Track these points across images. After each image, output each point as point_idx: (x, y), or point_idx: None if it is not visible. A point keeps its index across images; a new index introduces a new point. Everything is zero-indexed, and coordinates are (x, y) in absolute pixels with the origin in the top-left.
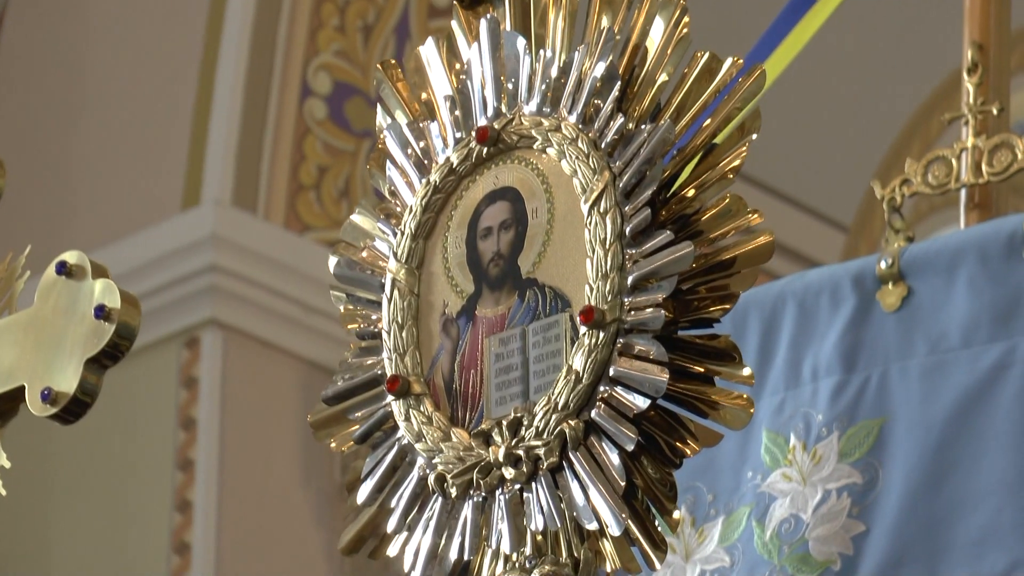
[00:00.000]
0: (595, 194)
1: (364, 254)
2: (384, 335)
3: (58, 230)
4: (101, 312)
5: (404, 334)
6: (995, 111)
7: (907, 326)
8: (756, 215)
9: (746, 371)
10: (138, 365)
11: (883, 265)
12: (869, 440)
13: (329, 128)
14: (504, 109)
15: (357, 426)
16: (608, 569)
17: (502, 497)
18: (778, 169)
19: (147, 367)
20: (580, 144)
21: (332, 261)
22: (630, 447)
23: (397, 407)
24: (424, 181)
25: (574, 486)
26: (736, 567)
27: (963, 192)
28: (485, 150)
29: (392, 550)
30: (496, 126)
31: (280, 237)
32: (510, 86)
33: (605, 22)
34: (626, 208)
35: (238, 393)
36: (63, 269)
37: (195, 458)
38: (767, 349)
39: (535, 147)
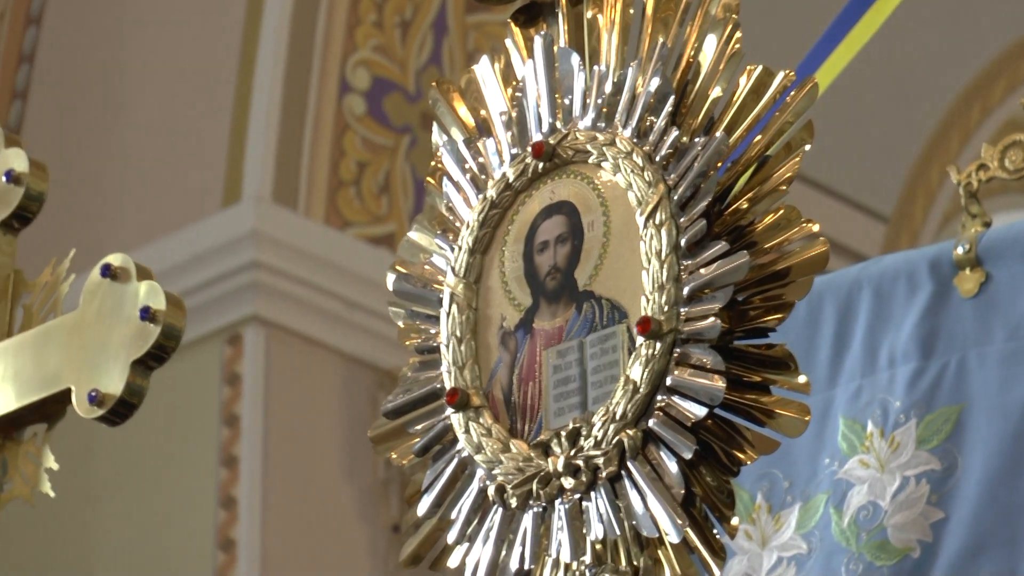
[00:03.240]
0: (650, 207)
1: (422, 270)
2: (443, 349)
3: (99, 229)
4: (146, 314)
5: (463, 347)
6: None
7: (985, 312)
8: (811, 224)
9: (802, 379)
10: (181, 362)
11: (960, 251)
12: (947, 427)
13: (368, 124)
14: (559, 125)
15: (417, 439)
16: None
17: (562, 507)
18: (816, 159)
19: (190, 364)
20: (635, 158)
21: (390, 277)
22: (688, 455)
23: (457, 420)
24: (481, 197)
25: (633, 495)
26: (813, 554)
27: None
28: (541, 165)
29: (453, 561)
30: (551, 141)
31: (321, 233)
32: (565, 102)
33: (658, 38)
34: (681, 220)
35: (281, 389)
36: (108, 271)
37: (239, 454)
38: (843, 336)
39: (590, 161)
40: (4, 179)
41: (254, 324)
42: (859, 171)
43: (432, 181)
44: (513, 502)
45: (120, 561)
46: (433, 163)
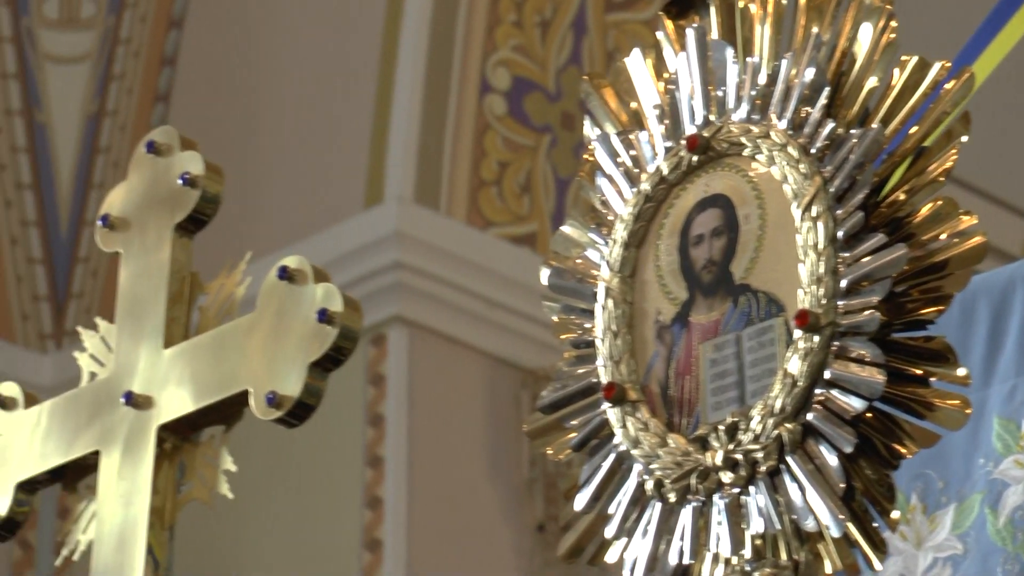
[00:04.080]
0: (807, 199)
1: (575, 264)
2: (598, 343)
3: (242, 231)
4: (324, 316)
5: (618, 341)
6: None
7: None
8: (968, 217)
9: (961, 372)
10: None
11: None
12: None
13: (509, 124)
14: (713, 117)
15: (574, 434)
16: (828, 571)
17: (720, 501)
18: (960, 157)
19: None
20: (790, 150)
21: (544, 271)
22: (848, 449)
23: (613, 414)
24: (635, 190)
25: (792, 489)
26: (969, 555)
27: None
28: (695, 158)
29: (611, 556)
30: (705, 134)
31: (463, 233)
32: (718, 94)
33: (812, 28)
34: (838, 212)
35: (425, 389)
36: (284, 274)
37: (384, 454)
38: (997, 335)
39: (745, 154)
40: (180, 182)
41: (397, 324)
42: (999, 167)
43: (584, 175)
44: (671, 496)
45: (268, 561)
46: (585, 156)
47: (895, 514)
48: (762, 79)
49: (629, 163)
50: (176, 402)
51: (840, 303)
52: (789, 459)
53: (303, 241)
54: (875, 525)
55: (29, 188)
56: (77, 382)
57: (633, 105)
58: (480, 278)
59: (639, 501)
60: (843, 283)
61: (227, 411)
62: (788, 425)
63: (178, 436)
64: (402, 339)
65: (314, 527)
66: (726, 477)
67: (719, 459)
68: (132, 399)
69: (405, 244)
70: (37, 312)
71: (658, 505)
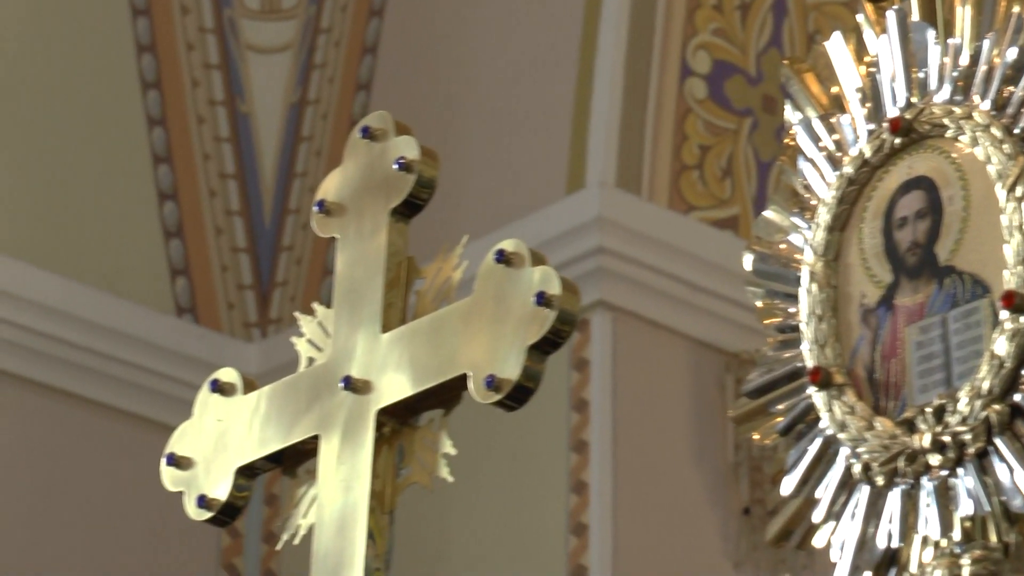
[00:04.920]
0: (1011, 179)
1: (778, 249)
2: (803, 327)
3: (445, 217)
4: (542, 299)
5: (823, 325)
6: None
7: None
8: None
9: None
10: None
11: None
12: None
13: (709, 107)
14: (915, 99)
15: (780, 419)
16: None
17: (929, 483)
18: None
19: None
20: (993, 130)
21: (747, 257)
22: None
23: (819, 398)
24: (837, 174)
25: (1001, 470)
26: None
27: None
28: (897, 140)
29: (819, 540)
30: (908, 116)
31: (665, 217)
32: (920, 76)
33: (1013, 8)
34: None
35: (629, 374)
36: (502, 257)
37: (589, 439)
38: None
39: (947, 135)
40: (395, 167)
41: (601, 309)
42: None
43: (786, 159)
44: (879, 480)
45: (475, 545)
46: (787, 141)
47: None
48: (964, 60)
49: (831, 146)
50: (395, 386)
51: None
52: (997, 440)
53: (506, 227)
54: None
55: (233, 178)
56: (283, 370)
57: (834, 89)
58: (682, 262)
59: (846, 485)
60: None
61: (445, 395)
62: (996, 406)
63: (397, 420)
64: (605, 324)
65: (520, 512)
66: (934, 459)
67: (927, 441)
68: (351, 384)
69: (607, 229)
70: (242, 301)
71: (866, 488)
